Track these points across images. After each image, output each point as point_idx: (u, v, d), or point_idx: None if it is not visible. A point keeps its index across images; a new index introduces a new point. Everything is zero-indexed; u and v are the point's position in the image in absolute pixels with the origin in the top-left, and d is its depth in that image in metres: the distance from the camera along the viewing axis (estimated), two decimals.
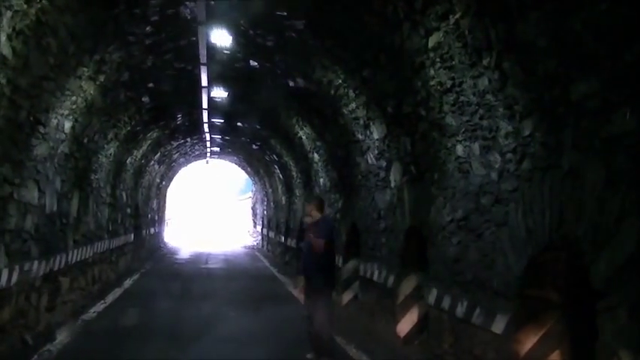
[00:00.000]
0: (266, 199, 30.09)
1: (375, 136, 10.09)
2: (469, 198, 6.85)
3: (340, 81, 10.39)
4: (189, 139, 23.88)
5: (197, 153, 29.74)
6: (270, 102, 14.97)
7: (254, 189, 42.18)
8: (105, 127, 13.03)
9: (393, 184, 9.72)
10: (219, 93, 14.74)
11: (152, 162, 22.69)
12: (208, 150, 28.03)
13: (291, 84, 12.50)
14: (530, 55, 5.26)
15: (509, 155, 5.89)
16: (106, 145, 13.89)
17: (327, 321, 7.77)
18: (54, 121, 9.55)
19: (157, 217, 29.05)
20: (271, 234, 27.43)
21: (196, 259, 24.38)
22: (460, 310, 6.82)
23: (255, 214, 42.90)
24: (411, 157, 8.81)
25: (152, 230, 26.93)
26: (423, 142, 8.25)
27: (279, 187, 24.07)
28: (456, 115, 7.02)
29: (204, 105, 16.10)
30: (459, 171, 7.21)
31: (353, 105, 10.52)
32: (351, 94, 10.33)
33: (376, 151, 10.28)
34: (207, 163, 34.69)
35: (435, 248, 7.89)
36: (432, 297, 7.83)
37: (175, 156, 26.85)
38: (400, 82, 8.38)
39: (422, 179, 8.47)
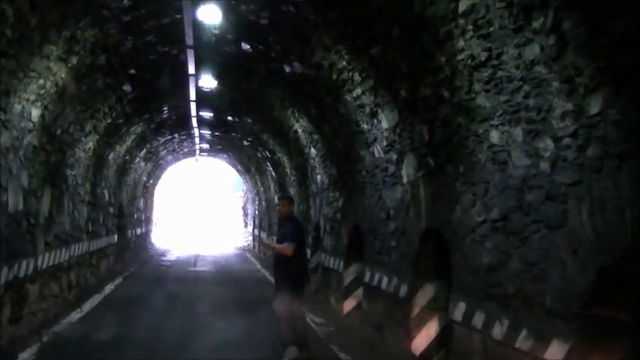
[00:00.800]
0: (257, 199, 28.86)
1: (384, 125, 8.92)
2: (508, 194, 5.68)
3: (344, 63, 9.21)
4: (176, 135, 22.63)
5: (186, 150, 28.50)
6: (263, 92, 13.79)
7: (245, 188, 40.98)
8: (81, 118, 11.78)
9: (405, 180, 8.54)
10: (208, 82, 13.51)
11: (137, 159, 21.43)
12: (197, 147, 26.79)
13: (287, 69, 11.31)
14: (602, 10, 4.11)
15: (566, 140, 4.72)
16: (83, 138, 12.65)
17: (304, 317, 8.48)
18: (17, 107, 8.32)
19: (143, 218, 27.77)
20: (263, 234, 26.21)
21: (184, 262, 23.16)
22: (499, 330, 5.64)
23: (245, 214, 41.66)
24: (428, 147, 7.64)
25: (138, 231, 25.66)
26: (445, 130, 7.08)
27: (272, 185, 22.86)
28: (490, 95, 5.86)
29: (192, 96, 14.89)
30: (492, 162, 6.04)
31: (358, 90, 9.33)
32: (357, 77, 9.15)
33: (384, 143, 9.11)
34: (196, 161, 33.45)
35: (460, 254, 6.72)
36: (457, 312, 6.65)
37: (163, 153, 25.59)
38: (417, 59, 7.21)
39: (442, 173, 7.30)
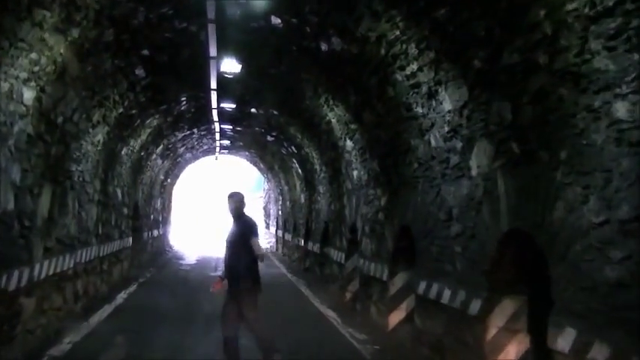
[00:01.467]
0: (281, 198, 27.39)
1: (447, 106, 7.35)
2: None
3: (397, 33, 7.64)
4: (195, 131, 21.21)
5: (205, 147, 27.11)
6: (293, 77, 12.29)
7: (266, 187, 39.55)
8: (87, 106, 10.36)
9: (474, 172, 6.98)
10: (231, 66, 12.02)
11: (154, 156, 20.03)
12: (217, 144, 25.37)
13: (324, 47, 9.77)
14: None
15: None
16: (91, 130, 11.23)
17: (261, 320, 7.60)
18: (4, 85, 6.87)
19: (161, 218, 26.39)
20: (287, 236, 24.72)
21: (204, 265, 21.70)
22: None
23: (267, 215, 40.23)
24: (510, 130, 6.05)
25: (155, 233, 24.27)
26: (537, 106, 5.49)
27: (298, 183, 21.36)
28: (618, 54, 4.29)
29: (213, 84, 13.43)
30: (617, 144, 4.46)
31: (413, 66, 7.77)
32: (412, 50, 7.59)
33: (446, 129, 7.54)
34: (216, 159, 32.08)
35: (565, 265, 5.13)
36: (563, 340, 5.07)
37: (181, 150, 24.19)
38: (502, 17, 5.64)
39: (532, 161, 5.72)
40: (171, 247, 29.72)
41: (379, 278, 10.58)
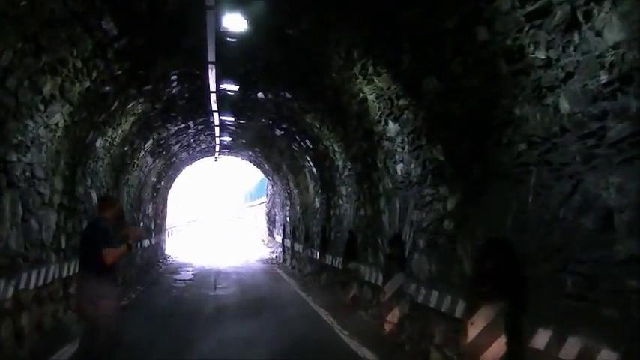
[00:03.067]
0: (289, 203, 24.24)
1: (611, 37, 4.24)
2: None
3: None
4: (191, 124, 18.11)
5: (203, 146, 24.03)
6: (316, 39, 9.25)
7: (271, 191, 36.53)
8: (31, 68, 7.27)
9: None
10: (235, 22, 8.97)
11: (142, 152, 16.93)
12: (217, 142, 22.28)
13: None
14: None
15: None
16: (42, 106, 8.13)
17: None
18: None
19: (153, 226, 23.22)
20: (297, 246, 21.57)
21: (202, 281, 18.56)
22: None
23: (272, 221, 37.14)
24: None
25: (146, 243, 21.09)
26: None
27: (311, 185, 18.23)
28: None
29: (211, 54, 10.41)
30: None
31: None
32: None
33: (603, 78, 4.41)
34: (215, 160, 29.01)
35: None
36: None
37: (175, 148, 21.07)
38: None
39: None
40: (166, 258, 26.57)
41: (444, 312, 7.45)
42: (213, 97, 14.10)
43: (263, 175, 31.77)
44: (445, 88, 7.05)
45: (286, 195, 24.59)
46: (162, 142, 18.22)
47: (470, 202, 6.94)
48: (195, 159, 27.56)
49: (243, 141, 22.55)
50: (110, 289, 7.08)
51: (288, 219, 24.60)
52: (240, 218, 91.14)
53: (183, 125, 17.83)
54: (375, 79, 8.90)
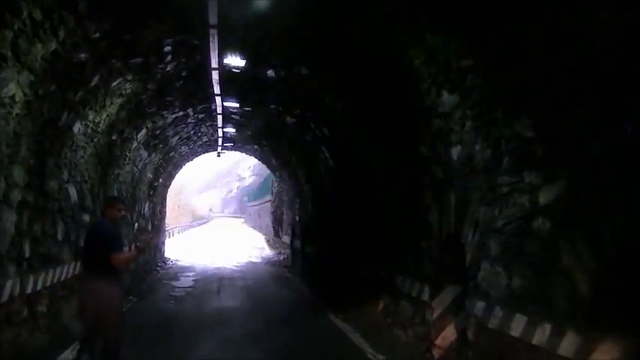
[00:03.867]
0: (298, 201, 22.13)
1: None
2: None
3: None
4: (190, 111, 16.03)
5: (205, 140, 21.97)
6: None
7: (278, 188, 34.58)
8: None
9: None
10: None
11: (134, 143, 14.86)
12: (220, 134, 20.20)
13: None
14: None
15: None
16: None
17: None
18: None
19: (150, 227, 21.10)
20: (309, 248, 19.46)
21: (203, 289, 16.48)
22: None
23: (278, 221, 35.12)
24: None
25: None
26: None
27: (327, 181, 16.12)
28: None
29: (213, 15, 8.38)
30: None
31: None
32: None
33: None
34: (218, 156, 26.95)
35: None
36: None
37: (174, 141, 18.98)
38: None
39: None
40: (165, 262, 24.47)
41: (544, 348, 5.33)
42: (215, 75, 12.02)
43: (270, 171, 29.79)
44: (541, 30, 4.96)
45: (295, 192, 22.49)
46: (157, 132, 16.14)
47: (585, 192, 4.83)
48: (196, 154, 25.50)
49: (249, 133, 20.46)
50: (114, 292, 6.91)
51: (298, 218, 22.49)
52: (243, 217, 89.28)
53: (181, 113, 15.75)
54: (428, 37, 6.80)
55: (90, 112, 10.12)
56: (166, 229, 39.34)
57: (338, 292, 14.17)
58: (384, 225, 10.65)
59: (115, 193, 14.35)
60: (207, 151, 25.84)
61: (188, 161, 26.30)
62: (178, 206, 76.69)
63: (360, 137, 11.32)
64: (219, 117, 16.96)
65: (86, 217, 11.26)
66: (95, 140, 11.24)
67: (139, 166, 16.89)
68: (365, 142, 11.25)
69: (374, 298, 11.22)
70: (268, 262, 26.51)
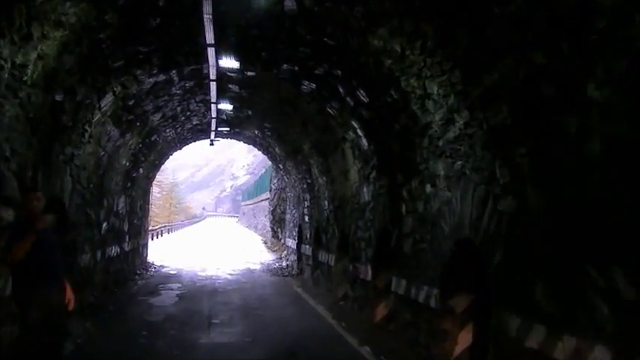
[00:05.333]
0: (309, 197, 18.15)
1: None
2: None
3: None
4: (175, 75, 12.07)
5: (195, 122, 18.04)
6: None
7: (277, 184, 30.71)
8: None
9: None
10: None
11: (97, 114, 10.88)
12: (213, 114, 16.27)
13: None
14: None
15: None
16: None
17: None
18: None
19: (126, 228, 17.06)
20: (324, 256, 15.50)
21: (190, 310, 12.48)
22: None
23: (277, 221, 31.17)
24: None
25: (113, 251, 14.96)
26: None
27: (355, 168, 12.16)
28: None
29: None
30: None
31: None
32: None
33: None
34: (211, 144, 22.99)
35: None
36: None
37: (155, 119, 15.02)
38: None
39: None
40: (147, 268, 20.46)
41: None
42: (206, 7, 8.11)
43: (269, 165, 25.85)
44: None
45: (305, 186, 18.51)
46: (131, 103, 12.17)
47: None
48: (186, 141, 21.55)
49: (249, 112, 16.52)
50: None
51: (307, 218, 18.51)
52: (237, 216, 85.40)
53: (163, 77, 11.79)
54: None
55: (1, 41, 6.17)
56: (151, 229, 35.38)
57: (370, 320, 10.26)
58: (472, 231, 6.73)
59: (69, 181, 10.38)
60: (199, 139, 21.89)
61: (176, 150, 22.32)
62: (170, 204, 73.20)
63: (429, 94, 7.39)
64: (213, 86, 13.04)
65: (8, 214, 7.32)
66: (22, 96, 7.29)
67: (108, 149, 12.90)
68: (435, 101, 7.34)
69: (435, 336, 7.31)
70: (268, 268, 22.52)
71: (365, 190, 11.43)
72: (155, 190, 63.60)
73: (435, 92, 7.22)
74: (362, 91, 9.52)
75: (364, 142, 10.92)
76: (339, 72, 9.67)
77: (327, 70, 9.99)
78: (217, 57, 10.87)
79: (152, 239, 34.91)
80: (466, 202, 6.89)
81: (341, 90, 10.31)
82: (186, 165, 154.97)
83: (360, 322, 10.88)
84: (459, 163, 7.07)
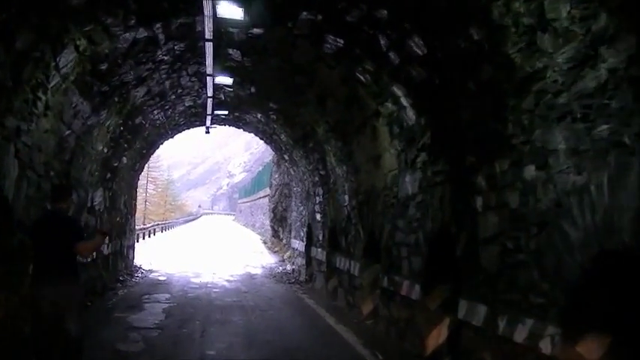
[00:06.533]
0: (321, 192, 15.42)
1: None
2: None
3: None
4: (160, 31, 9.35)
5: (188, 104, 15.35)
6: None
7: (279, 180, 28.08)
8: None
9: None
10: None
11: (54, 75, 8.11)
12: (209, 91, 13.54)
13: None
14: None
15: None
16: None
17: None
18: None
19: (106, 227, 14.29)
20: (343, 262, 12.79)
21: (177, 334, 9.73)
22: None
23: (279, 219, 28.50)
24: None
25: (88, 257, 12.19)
26: None
27: (391, 150, 9.43)
28: None
29: None
30: None
31: None
32: None
33: None
34: (207, 132, 20.25)
35: None
36: None
37: (139, 94, 12.30)
38: None
39: None
40: (132, 274, 17.74)
41: None
42: None
43: (268, 159, 23.12)
44: None
45: (316, 179, 15.77)
46: (103, 67, 9.42)
47: None
48: (178, 128, 18.87)
49: (252, 89, 13.78)
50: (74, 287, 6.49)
51: (319, 216, 15.76)
52: (233, 214, 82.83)
53: (144, 33, 9.08)
54: None
55: None
56: (142, 227, 32.75)
57: (415, 348, 7.56)
58: (604, 234, 4.04)
59: (13, 164, 7.63)
60: (193, 125, 19.17)
61: (167, 138, 19.63)
62: (165, 202, 70.72)
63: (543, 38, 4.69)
64: (209, 50, 10.31)
65: None
66: None
67: (76, 128, 10.14)
68: (554, 36, 4.64)
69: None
70: (271, 273, 19.82)
71: (408, 179, 8.71)
72: (150, 187, 61.27)
73: (564, 16, 4.50)
74: (417, 39, 6.79)
75: (410, 114, 8.20)
76: (385, 12, 6.92)
77: (366, 13, 7.25)
78: (214, 2, 8.15)
79: (144, 238, 32.29)
80: (622, 191, 4.18)
81: (382, 42, 7.58)
82: (183, 162, 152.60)
83: (403, 356, 8.17)
84: (605, 127, 4.35)
